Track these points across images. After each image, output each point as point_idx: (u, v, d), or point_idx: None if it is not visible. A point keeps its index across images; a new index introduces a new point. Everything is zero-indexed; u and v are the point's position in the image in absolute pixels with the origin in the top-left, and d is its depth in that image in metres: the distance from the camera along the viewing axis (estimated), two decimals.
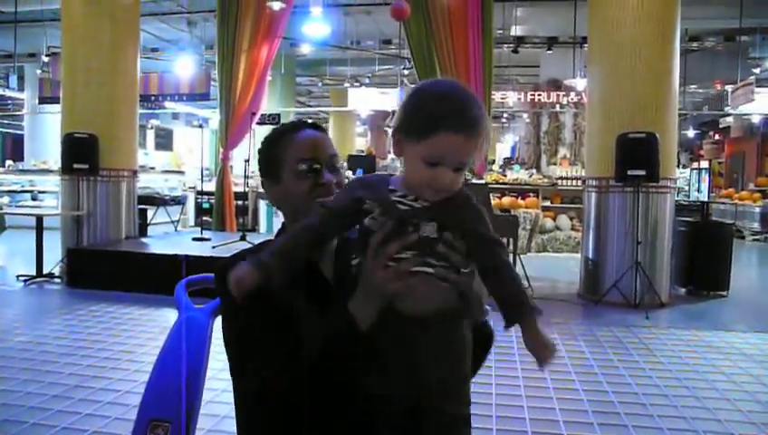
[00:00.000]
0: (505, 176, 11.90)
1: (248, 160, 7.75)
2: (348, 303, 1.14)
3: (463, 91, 1.09)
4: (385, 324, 1.11)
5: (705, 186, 18.21)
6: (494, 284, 1.08)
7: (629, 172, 5.81)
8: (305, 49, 13.60)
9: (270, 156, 1.37)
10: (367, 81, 15.92)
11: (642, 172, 5.77)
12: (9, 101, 19.10)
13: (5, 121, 21.25)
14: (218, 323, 1.50)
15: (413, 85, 1.14)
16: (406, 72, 13.24)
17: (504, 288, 1.07)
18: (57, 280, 6.66)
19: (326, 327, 1.14)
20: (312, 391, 1.16)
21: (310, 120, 1.44)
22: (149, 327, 4.88)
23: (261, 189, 10.08)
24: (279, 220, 9.66)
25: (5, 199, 12.54)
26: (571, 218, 10.50)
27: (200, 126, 9.11)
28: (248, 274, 1.07)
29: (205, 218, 9.19)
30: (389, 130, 1.16)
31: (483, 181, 7.96)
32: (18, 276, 6.67)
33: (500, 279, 1.08)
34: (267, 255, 1.09)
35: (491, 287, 1.09)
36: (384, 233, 1.07)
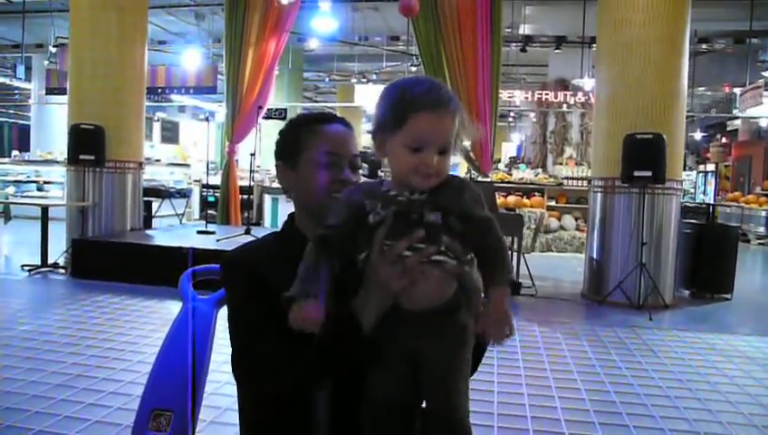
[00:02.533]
0: (511, 175, 11.89)
1: (254, 154, 7.74)
2: (352, 303, 1.14)
3: (429, 79, 1.13)
4: (386, 320, 1.11)
5: (711, 188, 18.13)
6: (481, 257, 1.10)
7: (636, 173, 5.79)
8: (313, 44, 13.61)
9: (292, 139, 1.35)
10: (374, 77, 15.90)
11: (648, 173, 5.75)
12: (16, 92, 19.17)
13: (12, 112, 21.32)
14: (222, 314, 1.50)
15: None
16: (413, 68, 13.22)
17: (488, 258, 1.09)
18: (61, 270, 6.69)
19: (329, 328, 1.14)
20: (316, 391, 1.16)
21: (339, 115, 1.43)
22: (153, 319, 4.89)
23: (266, 184, 10.11)
24: (284, 214, 9.67)
25: (11, 189, 12.59)
26: (576, 219, 10.48)
27: (206, 119, 9.10)
28: (310, 310, 1.06)
29: (209, 212, 9.19)
30: (371, 135, 1.17)
31: (488, 180, 7.94)
32: (23, 266, 6.70)
33: (487, 251, 1.09)
34: (301, 285, 1.09)
35: (479, 261, 1.11)
36: (388, 228, 1.08)
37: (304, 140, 1.32)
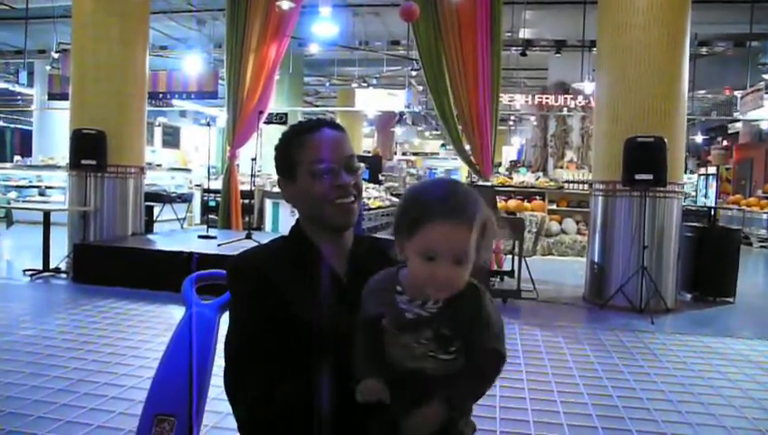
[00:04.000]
0: (512, 179, 11.89)
1: (255, 159, 7.75)
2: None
3: (450, 182, 1.10)
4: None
5: (712, 191, 18.12)
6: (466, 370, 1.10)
7: (637, 176, 5.79)
8: (313, 49, 13.64)
9: (286, 155, 1.35)
10: (374, 81, 15.93)
11: (649, 177, 5.75)
12: (19, 97, 19.20)
13: (15, 117, 21.36)
14: (226, 318, 1.50)
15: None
16: (414, 73, 13.26)
17: (469, 378, 1.10)
18: (63, 275, 6.69)
19: (350, 343, 1.16)
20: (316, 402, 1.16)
21: (328, 120, 1.43)
22: (155, 323, 4.89)
23: (267, 188, 10.12)
24: (285, 219, 9.68)
25: (13, 194, 12.61)
26: (577, 222, 10.48)
27: (208, 124, 9.12)
28: (374, 388, 1.09)
29: (211, 216, 9.21)
30: (393, 230, 1.17)
31: (489, 184, 7.95)
32: (25, 271, 6.70)
33: (475, 374, 1.10)
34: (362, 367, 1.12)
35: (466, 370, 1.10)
36: (399, 324, 1.10)
37: (297, 152, 1.33)
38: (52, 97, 13.77)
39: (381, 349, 1.12)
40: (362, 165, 1.40)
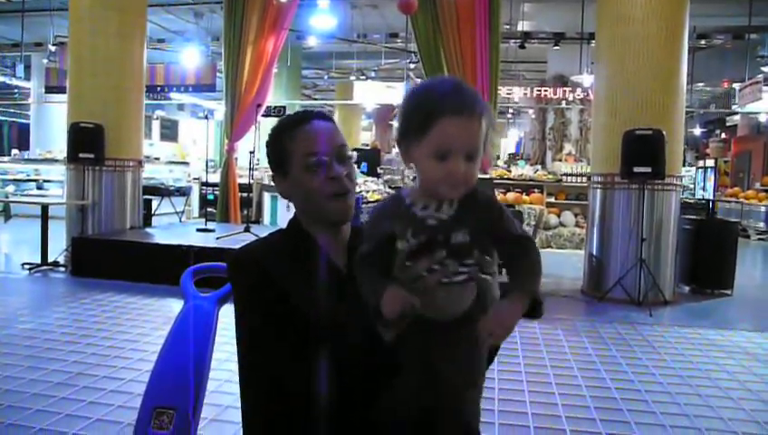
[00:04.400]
0: (510, 171, 11.88)
1: (253, 152, 7.74)
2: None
3: (453, 79, 1.08)
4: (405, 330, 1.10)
5: (710, 184, 18.13)
6: (516, 269, 1.07)
7: (635, 169, 5.79)
8: (311, 41, 13.61)
9: (277, 150, 1.35)
10: (373, 74, 15.91)
11: (648, 169, 5.75)
12: (16, 91, 19.14)
13: (12, 111, 21.30)
14: (224, 311, 1.50)
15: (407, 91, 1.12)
16: (412, 66, 13.21)
17: (524, 271, 1.07)
18: (62, 269, 6.69)
19: (349, 334, 1.15)
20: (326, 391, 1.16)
21: (316, 110, 1.42)
22: (153, 317, 4.89)
23: (265, 181, 10.11)
24: (283, 212, 9.67)
25: (11, 188, 12.58)
26: (576, 215, 10.48)
27: (206, 117, 9.11)
28: (398, 296, 1.03)
29: (209, 210, 9.20)
30: (395, 142, 1.13)
31: (487, 176, 7.94)
32: (23, 264, 6.69)
33: (526, 266, 1.07)
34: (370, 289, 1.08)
35: (513, 271, 1.08)
36: (411, 249, 1.06)
37: (287, 147, 1.32)
38: (49, 90, 13.74)
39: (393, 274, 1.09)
40: (354, 153, 1.39)
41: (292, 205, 1.37)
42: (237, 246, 1.36)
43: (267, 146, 1.37)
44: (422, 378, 1.09)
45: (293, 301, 1.22)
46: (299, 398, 1.17)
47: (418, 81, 14.99)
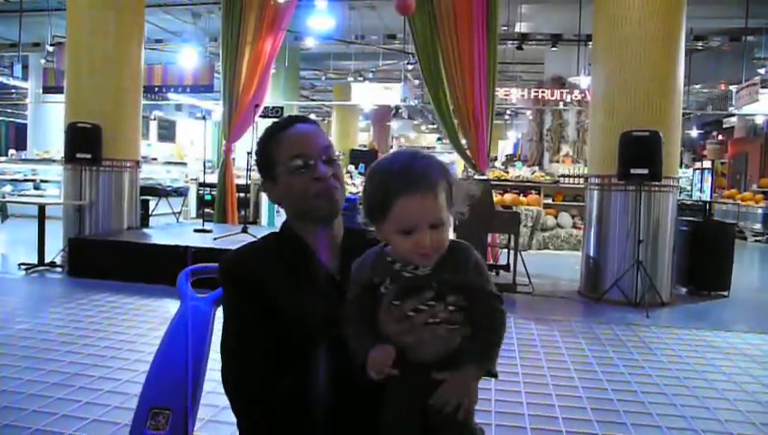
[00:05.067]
0: (507, 173, 11.89)
1: (251, 153, 7.74)
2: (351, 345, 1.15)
3: (407, 156, 1.12)
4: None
5: (707, 186, 18.16)
6: (476, 332, 1.12)
7: (632, 171, 5.80)
8: (309, 42, 13.59)
9: (264, 157, 1.37)
10: (370, 75, 15.88)
11: (645, 171, 5.76)
12: (13, 91, 19.09)
13: (9, 111, 21.26)
14: (220, 312, 1.50)
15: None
16: (410, 67, 13.21)
17: (482, 337, 1.12)
18: (58, 269, 6.68)
19: (340, 335, 1.16)
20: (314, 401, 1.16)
21: (299, 115, 1.44)
22: (150, 317, 4.89)
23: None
24: (280, 212, 9.67)
25: (8, 188, 12.56)
26: (573, 216, 10.50)
27: (203, 118, 9.10)
28: (378, 356, 1.08)
29: (206, 210, 9.20)
30: (363, 221, 1.19)
31: (485, 178, 7.95)
32: (20, 265, 6.68)
33: (485, 330, 1.13)
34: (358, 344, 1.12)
35: (474, 333, 1.12)
36: (396, 292, 1.11)
37: (273, 153, 1.34)
38: (46, 90, 13.69)
39: (375, 320, 1.14)
40: (340, 154, 1.41)
41: (282, 210, 1.39)
42: (235, 247, 1.36)
43: (256, 155, 1.40)
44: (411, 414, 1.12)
45: (286, 305, 1.22)
46: (285, 401, 1.17)
47: (416, 82, 14.98)
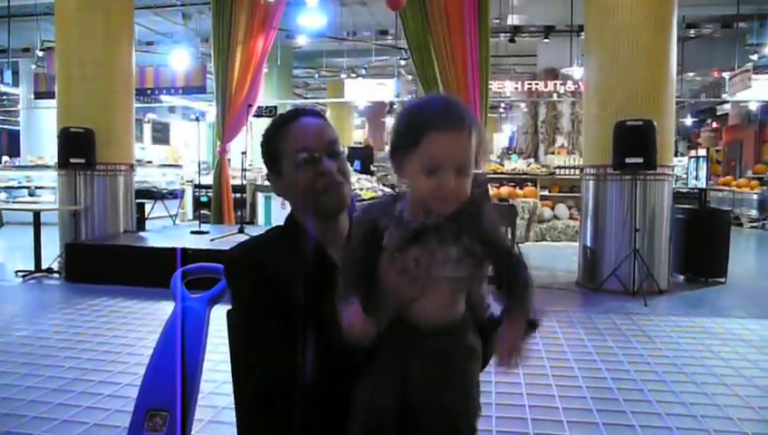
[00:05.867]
0: (503, 166, 11.90)
1: (245, 153, 7.73)
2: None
3: (444, 96, 1.11)
4: (389, 341, 1.10)
5: (702, 173, 18.20)
6: (510, 288, 1.09)
7: (627, 160, 5.81)
8: (301, 40, 13.59)
9: (270, 149, 1.36)
10: (363, 72, 15.88)
11: (640, 160, 5.76)
12: (4, 97, 19.04)
13: (1, 117, 21.18)
14: (215, 312, 1.50)
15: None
16: (402, 62, 13.24)
17: (517, 290, 1.08)
18: (56, 275, 6.66)
19: (329, 340, 1.14)
20: (314, 391, 1.16)
21: (307, 108, 1.43)
22: (149, 320, 4.88)
23: (258, 182, 10.11)
24: (277, 212, 9.66)
25: (2, 195, 12.53)
26: (570, 207, 10.51)
27: (197, 119, 9.07)
28: (357, 316, 1.05)
29: (203, 212, 9.18)
30: (389, 158, 1.15)
31: (481, 171, 7.95)
32: (17, 272, 6.67)
33: (518, 284, 1.09)
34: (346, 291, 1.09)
35: (505, 288, 1.09)
36: (401, 239, 1.07)
37: (278, 146, 1.33)
38: (38, 96, 13.66)
39: (374, 272, 1.10)
40: (345, 149, 1.40)
41: (287, 204, 1.38)
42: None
43: (261, 146, 1.39)
44: (399, 386, 1.10)
45: (292, 296, 1.22)
46: (297, 391, 1.17)
47: (409, 77, 15.00)
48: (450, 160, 1.03)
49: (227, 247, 1.29)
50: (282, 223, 1.40)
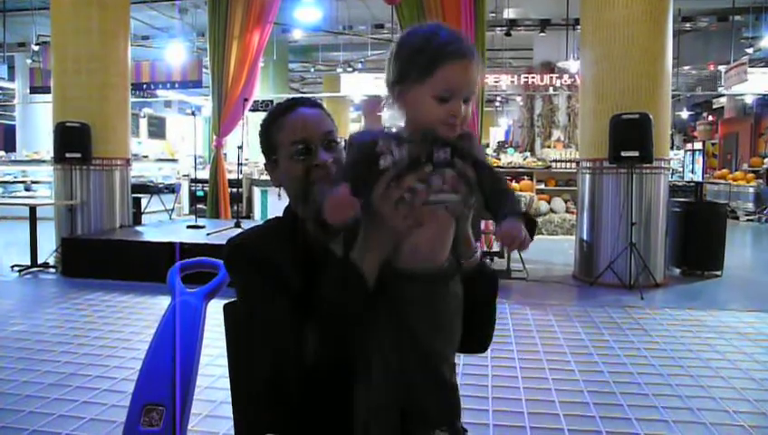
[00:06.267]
0: (499, 159, 11.89)
1: (241, 147, 7.72)
2: (351, 253, 1.13)
3: (444, 25, 1.12)
4: (380, 286, 1.12)
5: (698, 167, 18.24)
6: (497, 201, 1.09)
7: (623, 153, 5.81)
8: (297, 35, 13.54)
9: (267, 139, 1.36)
10: (359, 66, 15.84)
11: (636, 153, 5.76)
12: (0, 92, 18.95)
13: None
14: (212, 306, 1.50)
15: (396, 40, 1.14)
16: None
17: (505, 202, 1.09)
18: (52, 270, 6.65)
19: (329, 281, 1.14)
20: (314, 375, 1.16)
21: (305, 97, 1.42)
22: (145, 315, 4.88)
23: (255, 176, 10.10)
24: (273, 206, 9.65)
25: None
26: (566, 201, 10.52)
27: (193, 114, 9.05)
28: (344, 194, 1.04)
29: (199, 206, 9.17)
30: (388, 85, 1.13)
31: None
32: (13, 267, 6.65)
33: (503, 197, 1.10)
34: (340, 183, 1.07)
35: (495, 205, 1.09)
36: (399, 167, 1.07)
37: (275, 136, 1.33)
38: (34, 90, 13.61)
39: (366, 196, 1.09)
40: (341, 140, 1.38)
41: (284, 195, 1.38)
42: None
43: (259, 136, 1.39)
44: (397, 338, 1.11)
45: (292, 284, 1.22)
46: (304, 370, 1.16)
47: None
48: (463, 89, 1.07)
49: (224, 242, 1.28)
50: (278, 217, 1.40)
